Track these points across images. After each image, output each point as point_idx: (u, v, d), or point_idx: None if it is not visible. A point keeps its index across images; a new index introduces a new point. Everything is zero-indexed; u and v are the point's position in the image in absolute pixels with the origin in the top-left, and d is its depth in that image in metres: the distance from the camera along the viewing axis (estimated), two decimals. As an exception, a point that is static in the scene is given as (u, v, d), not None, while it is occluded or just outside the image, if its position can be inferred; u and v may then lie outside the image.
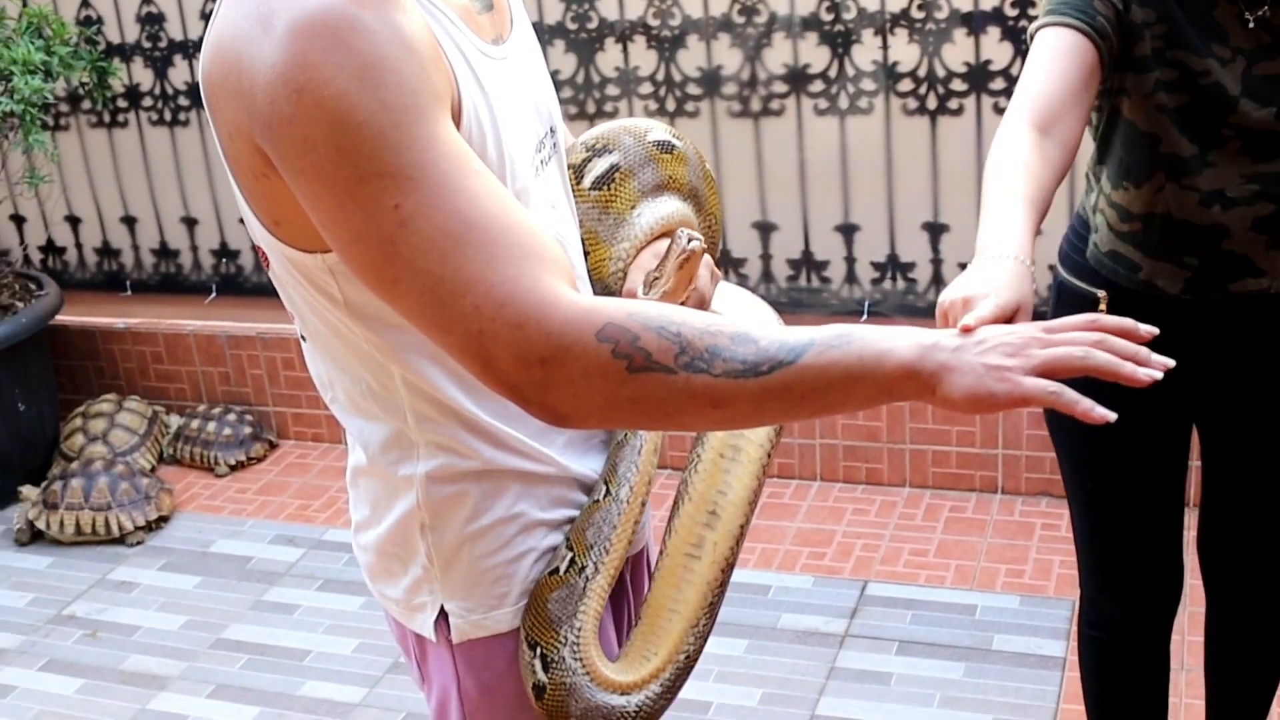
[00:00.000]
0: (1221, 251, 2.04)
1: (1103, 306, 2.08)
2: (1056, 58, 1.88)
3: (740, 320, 1.30)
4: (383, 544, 1.59)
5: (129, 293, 4.85)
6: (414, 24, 1.26)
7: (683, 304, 1.52)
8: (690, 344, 1.24)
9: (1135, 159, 2.04)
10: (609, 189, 1.63)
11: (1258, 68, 1.94)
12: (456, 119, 1.31)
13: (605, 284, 1.62)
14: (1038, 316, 1.40)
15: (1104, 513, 2.26)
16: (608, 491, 1.57)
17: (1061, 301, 2.20)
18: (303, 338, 1.52)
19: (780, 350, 1.24)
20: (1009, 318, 1.40)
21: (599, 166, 1.63)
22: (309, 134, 1.20)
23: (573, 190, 1.62)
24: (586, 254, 1.62)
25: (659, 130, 1.68)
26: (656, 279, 1.51)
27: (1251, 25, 1.93)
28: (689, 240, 1.48)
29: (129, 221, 4.78)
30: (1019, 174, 1.73)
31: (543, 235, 1.29)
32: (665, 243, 1.57)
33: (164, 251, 4.76)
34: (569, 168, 1.63)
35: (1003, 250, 1.57)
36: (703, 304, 1.60)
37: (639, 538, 1.69)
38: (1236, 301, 2.08)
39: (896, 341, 1.23)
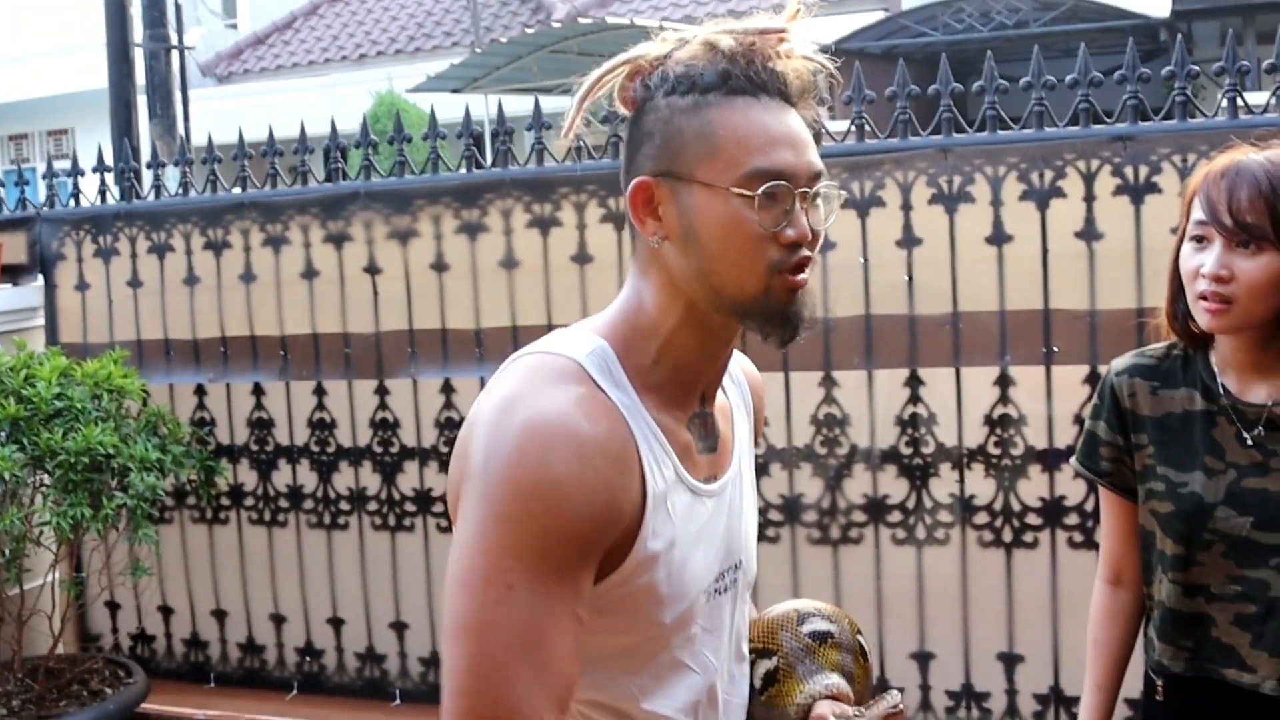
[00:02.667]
0: (1210, 637, 2.23)
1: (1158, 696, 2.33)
2: (1104, 514, 2.40)
3: None
4: None
5: (213, 684, 4.92)
6: (612, 465, 1.41)
7: None
8: None
9: (1147, 554, 2.31)
10: (824, 644, 1.79)
11: (1246, 481, 2.17)
12: (628, 541, 1.43)
13: (784, 711, 1.75)
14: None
15: None
16: None
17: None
18: None
19: None
20: None
21: (819, 624, 1.81)
22: (478, 491, 1.37)
23: (790, 625, 1.78)
24: (777, 680, 1.75)
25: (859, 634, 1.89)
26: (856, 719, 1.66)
27: (1249, 444, 2.18)
28: (899, 702, 1.62)
29: (219, 615, 4.90)
30: (1094, 654, 2.40)
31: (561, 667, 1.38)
32: (838, 704, 1.72)
33: (250, 646, 4.86)
34: (794, 610, 1.81)
35: None
36: None
37: None
38: (1231, 689, 2.21)
39: None
